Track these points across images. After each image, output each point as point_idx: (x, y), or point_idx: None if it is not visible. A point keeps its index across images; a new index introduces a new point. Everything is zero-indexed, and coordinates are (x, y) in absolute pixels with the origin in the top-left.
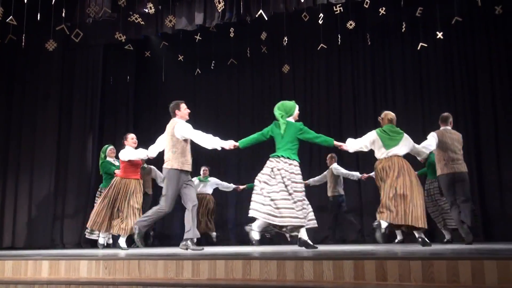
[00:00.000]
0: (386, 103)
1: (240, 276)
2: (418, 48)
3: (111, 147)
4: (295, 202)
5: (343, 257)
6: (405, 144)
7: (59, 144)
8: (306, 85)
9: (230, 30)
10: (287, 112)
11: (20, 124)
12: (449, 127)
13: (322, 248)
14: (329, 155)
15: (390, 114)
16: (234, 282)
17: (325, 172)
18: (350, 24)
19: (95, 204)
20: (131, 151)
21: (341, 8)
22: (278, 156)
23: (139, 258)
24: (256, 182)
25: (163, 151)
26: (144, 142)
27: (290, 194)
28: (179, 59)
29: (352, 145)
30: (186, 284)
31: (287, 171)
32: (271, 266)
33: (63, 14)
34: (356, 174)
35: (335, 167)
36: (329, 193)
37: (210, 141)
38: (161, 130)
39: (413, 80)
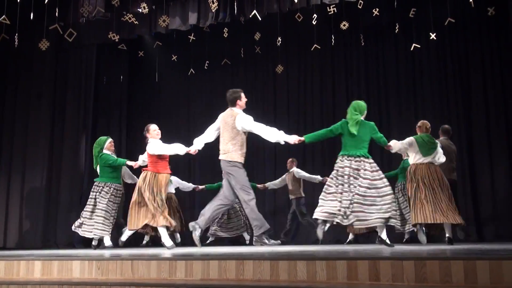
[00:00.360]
0: (379, 103)
1: (233, 276)
2: (411, 49)
3: (111, 139)
4: (383, 200)
5: (336, 257)
6: (437, 153)
7: (52, 143)
8: (300, 85)
9: (224, 30)
10: (361, 112)
11: (13, 124)
12: (448, 139)
13: (314, 248)
14: (290, 159)
15: (427, 124)
16: (228, 283)
17: (283, 176)
18: (344, 25)
19: (91, 200)
20: (162, 145)
21: (334, 8)
22: (359, 156)
23: (132, 259)
24: (330, 183)
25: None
26: (139, 141)
27: (378, 189)
28: (172, 59)
29: (395, 146)
30: (179, 284)
31: (367, 170)
32: (264, 266)
33: (56, 14)
34: (317, 178)
35: (297, 170)
36: (291, 196)
37: (274, 134)
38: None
39: (406, 81)
